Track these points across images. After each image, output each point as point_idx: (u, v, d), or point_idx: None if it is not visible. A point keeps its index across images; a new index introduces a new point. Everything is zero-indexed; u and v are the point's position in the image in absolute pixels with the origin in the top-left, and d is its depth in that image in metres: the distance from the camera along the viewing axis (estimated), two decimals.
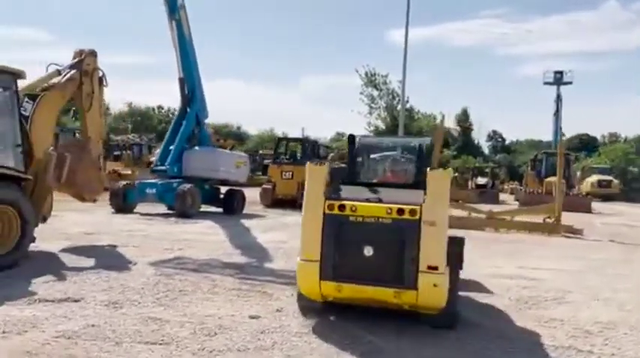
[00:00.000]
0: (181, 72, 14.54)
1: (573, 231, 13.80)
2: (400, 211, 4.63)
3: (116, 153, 33.00)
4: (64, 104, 8.48)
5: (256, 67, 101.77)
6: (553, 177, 27.56)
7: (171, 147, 14.31)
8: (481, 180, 34.03)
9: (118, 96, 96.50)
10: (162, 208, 14.27)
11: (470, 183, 34.19)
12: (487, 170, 37.11)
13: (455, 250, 5.08)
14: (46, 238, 8.72)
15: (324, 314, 5.24)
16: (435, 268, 4.53)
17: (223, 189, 15.63)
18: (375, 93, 31.99)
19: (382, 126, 32.09)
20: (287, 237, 10.82)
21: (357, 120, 29.95)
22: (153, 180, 14.44)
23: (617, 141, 71.67)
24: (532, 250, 10.61)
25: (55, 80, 8.12)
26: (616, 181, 43.30)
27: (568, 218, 20.41)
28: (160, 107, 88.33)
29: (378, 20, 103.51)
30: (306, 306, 5.23)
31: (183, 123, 14.60)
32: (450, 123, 73.67)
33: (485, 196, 30.16)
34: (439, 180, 4.74)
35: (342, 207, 4.77)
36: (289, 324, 4.91)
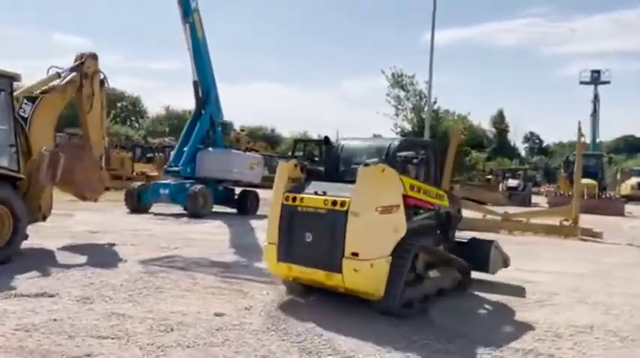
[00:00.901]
0: (195, 75, 14.77)
1: (592, 234, 13.38)
2: (333, 203, 5.20)
3: (149, 155, 33.79)
4: (63, 106, 8.72)
5: (294, 70, 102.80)
6: (585, 179, 26.95)
7: (185, 149, 14.55)
8: (512, 183, 33.24)
9: (156, 101, 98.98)
10: (177, 208, 14.49)
11: (501, 185, 33.49)
12: (519, 172, 36.26)
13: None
14: (50, 236, 9.06)
15: (297, 311, 5.28)
16: (356, 254, 5.00)
17: (239, 190, 15.80)
18: (402, 94, 31.63)
19: (409, 127, 31.70)
20: None
21: (384, 121, 29.67)
22: (167, 181, 14.70)
23: None
24: (541, 252, 10.31)
25: (55, 83, 8.37)
26: None
27: (597, 220, 19.95)
28: None
29: (415, 21, 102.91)
30: (290, 287, 5.95)
31: (197, 124, 14.81)
32: (486, 125, 72.81)
33: (515, 199, 29.52)
34: (368, 175, 5.18)
35: (294, 199, 5.50)
36: (251, 322, 4.91)
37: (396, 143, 6.20)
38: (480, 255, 6.65)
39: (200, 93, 14.93)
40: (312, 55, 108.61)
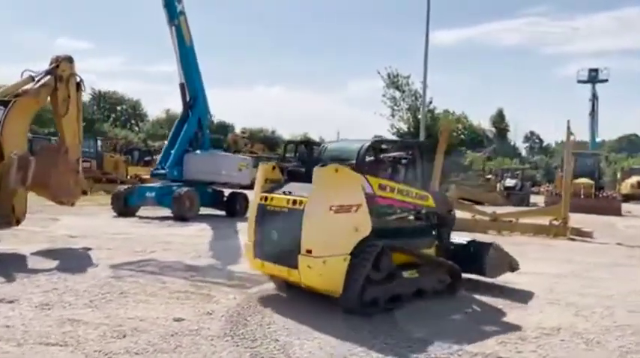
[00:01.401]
0: (182, 77, 14.71)
1: (582, 234, 13.25)
2: (294, 202, 5.43)
3: (147, 158, 33.77)
4: (37, 109, 8.66)
5: (298, 72, 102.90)
6: (582, 178, 26.80)
7: (172, 151, 14.48)
8: (510, 182, 33.08)
9: (158, 104, 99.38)
10: (165, 211, 14.38)
11: (499, 185, 33.34)
12: (518, 172, 36.10)
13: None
14: (28, 241, 9.01)
15: (261, 315, 5.22)
16: (310, 251, 5.16)
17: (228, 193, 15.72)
18: (398, 94, 31.54)
19: (405, 128, 31.61)
20: None
21: (381, 122, 29.58)
22: (153, 184, 14.63)
23: None
24: (527, 253, 10.10)
25: (29, 86, 8.30)
26: None
27: (592, 220, 19.89)
28: None
29: (418, 21, 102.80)
30: (277, 283, 6.18)
31: (185, 126, 14.75)
32: (486, 125, 72.65)
33: (512, 198, 29.37)
34: (321, 175, 5.31)
35: (265, 199, 5.80)
36: (209, 327, 4.81)
37: (367, 144, 6.09)
38: (476, 257, 6.56)
39: (187, 96, 14.88)
40: (316, 57, 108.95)
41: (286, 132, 77.39)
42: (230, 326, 4.86)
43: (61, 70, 8.69)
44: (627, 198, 40.97)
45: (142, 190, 14.24)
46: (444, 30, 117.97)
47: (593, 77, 41.90)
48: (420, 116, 30.51)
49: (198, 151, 14.83)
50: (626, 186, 42.03)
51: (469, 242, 6.81)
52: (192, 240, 10.23)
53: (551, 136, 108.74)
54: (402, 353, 4.35)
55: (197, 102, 14.91)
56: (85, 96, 75.57)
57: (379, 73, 31.82)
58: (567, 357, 4.41)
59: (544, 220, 13.48)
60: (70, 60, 8.86)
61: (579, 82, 43.16)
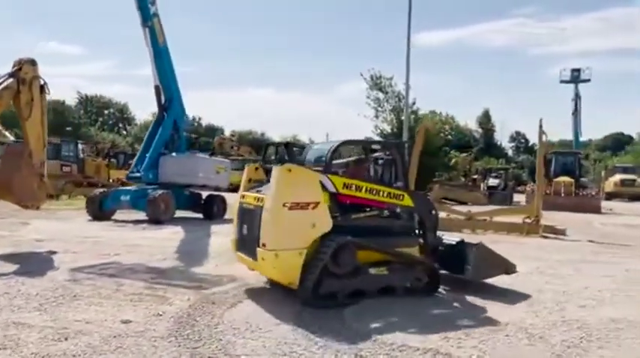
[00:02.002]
0: (156, 79, 14.67)
1: (555, 231, 13.36)
2: (258, 199, 5.86)
3: (131, 161, 33.58)
4: None
5: (289, 74, 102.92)
6: (562, 176, 27.01)
7: (148, 154, 14.43)
8: (493, 182, 33.27)
9: (149, 108, 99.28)
10: (141, 215, 14.32)
11: (482, 184, 33.49)
12: (501, 171, 36.26)
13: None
14: None
15: (211, 315, 5.23)
16: (264, 245, 5.56)
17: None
18: (381, 96, 31.62)
19: (388, 129, 31.68)
20: None
21: (365, 124, 29.62)
22: (129, 188, 14.57)
23: None
24: (497, 251, 10.23)
25: None
26: None
27: (570, 218, 20.06)
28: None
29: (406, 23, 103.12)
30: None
31: (160, 129, 14.71)
32: (473, 125, 72.99)
33: (495, 198, 29.55)
34: (277, 174, 5.63)
35: (243, 197, 6.34)
36: (154, 329, 4.80)
37: (334, 146, 6.36)
38: (460, 258, 6.54)
39: (163, 98, 14.84)
40: (308, 58, 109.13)
41: (276, 135, 77.49)
42: (177, 327, 4.86)
43: (23, 73, 8.64)
44: (611, 195, 41.43)
45: (117, 194, 14.17)
46: (432, 31, 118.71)
47: (576, 77, 42.33)
48: (403, 117, 30.47)
49: (174, 154, 14.80)
50: (610, 184, 42.41)
51: (457, 242, 6.78)
52: (163, 242, 10.19)
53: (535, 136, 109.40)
54: (342, 349, 4.36)
55: (172, 104, 14.89)
56: (72, 101, 75.15)
57: (362, 75, 31.92)
58: (508, 352, 4.44)
59: (519, 218, 13.59)
60: (32, 63, 8.81)
61: (562, 82, 43.58)
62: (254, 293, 6.17)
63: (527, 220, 13.22)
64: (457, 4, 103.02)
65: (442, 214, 13.69)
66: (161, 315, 5.25)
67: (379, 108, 31.76)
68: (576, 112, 41.93)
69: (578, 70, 42.34)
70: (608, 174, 43.75)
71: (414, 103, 32.27)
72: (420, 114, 33.09)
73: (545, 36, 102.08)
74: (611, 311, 5.76)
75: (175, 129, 15.10)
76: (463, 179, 35.24)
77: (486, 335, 4.79)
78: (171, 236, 11.21)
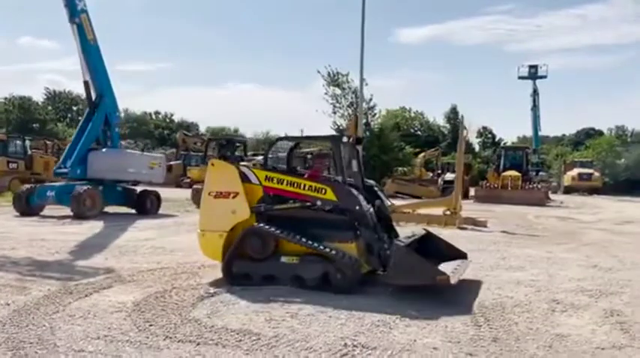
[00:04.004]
0: (86, 75, 14.67)
1: (476, 223, 13.74)
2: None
3: None
4: None
5: (268, 70, 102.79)
6: (510, 171, 27.61)
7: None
8: (449, 176, 33.76)
9: (134, 104, 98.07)
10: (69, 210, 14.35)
11: (439, 179, 34.00)
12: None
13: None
14: None
15: (56, 305, 5.34)
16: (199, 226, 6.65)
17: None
18: (338, 91, 31.95)
19: (345, 124, 32.01)
20: (158, 235, 10.93)
21: (324, 119, 29.97)
22: (56, 183, 14.58)
23: (625, 134, 71.05)
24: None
25: None
26: (597, 174, 42.94)
27: (510, 210, 20.63)
28: (157, 112, 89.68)
29: (383, 20, 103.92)
30: None
31: (90, 124, 14.72)
32: (440, 121, 73.83)
33: (448, 192, 29.96)
34: (207, 168, 6.76)
35: None
36: None
37: (273, 142, 7.61)
38: (387, 258, 6.16)
39: (93, 94, 14.85)
40: (285, 55, 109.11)
41: (250, 131, 77.36)
42: (14, 315, 4.98)
43: None
44: (569, 189, 42.37)
45: (43, 189, 14.17)
46: (410, 27, 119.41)
47: (533, 74, 43.24)
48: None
49: (104, 149, 14.83)
50: (568, 178, 43.40)
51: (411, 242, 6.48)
52: (71, 237, 10.26)
53: (508, 132, 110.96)
54: (165, 344, 4.55)
55: (103, 100, 14.90)
56: (40, 97, 74.13)
57: (319, 72, 32.21)
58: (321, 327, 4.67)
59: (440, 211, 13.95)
60: None
61: (520, 78, 44.51)
62: (117, 285, 6.32)
63: (447, 213, 13.58)
64: (435, 1, 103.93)
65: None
66: (9, 305, 5.37)
67: (337, 104, 32.09)
68: (535, 108, 42.79)
69: (535, 67, 43.22)
70: (567, 168, 44.73)
71: (370, 99, 32.66)
72: (376, 109, 33.46)
73: (521, 33, 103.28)
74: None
75: (107, 125, 15.11)
76: (430, 174, 35.81)
77: (316, 317, 5.02)
78: (86, 231, 11.28)
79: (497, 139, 67.92)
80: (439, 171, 36.57)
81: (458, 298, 5.81)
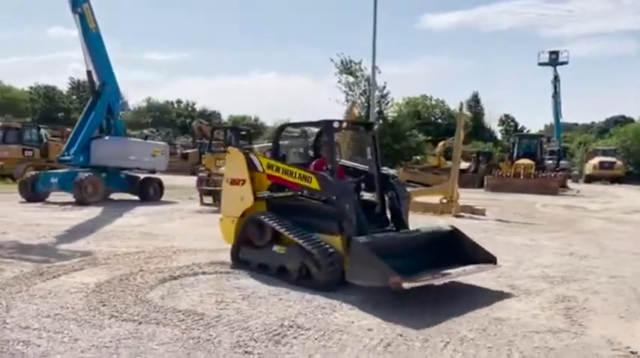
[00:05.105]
0: (89, 65, 14.95)
1: (473, 212, 13.68)
2: None
3: None
4: None
5: (293, 59, 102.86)
6: (524, 159, 27.22)
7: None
8: (463, 165, 33.46)
9: (140, 94, 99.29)
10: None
11: None
12: (474, 154, 36.44)
13: None
14: None
15: (25, 286, 5.55)
16: None
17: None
18: (352, 79, 31.86)
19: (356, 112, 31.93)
20: (150, 221, 11.15)
21: (336, 108, 29.91)
22: (59, 170, 14.94)
23: None
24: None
25: None
26: (620, 163, 41.93)
27: (519, 199, 20.39)
28: (178, 101, 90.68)
29: (410, 5, 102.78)
30: None
31: (93, 113, 15.01)
32: (465, 109, 72.89)
33: (461, 180, 29.73)
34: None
35: None
36: None
37: (277, 128, 7.59)
38: None
39: (96, 83, 15.13)
40: (307, 44, 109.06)
41: (270, 119, 77.63)
42: None
43: None
44: (590, 178, 41.51)
45: (47, 176, 14.55)
46: (439, 13, 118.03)
47: (554, 60, 42.24)
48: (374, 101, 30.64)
49: (107, 137, 15.13)
50: (589, 166, 42.47)
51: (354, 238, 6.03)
52: (66, 222, 10.51)
53: (534, 120, 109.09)
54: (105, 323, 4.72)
55: (106, 89, 15.17)
56: (64, 86, 75.58)
57: (332, 60, 32.14)
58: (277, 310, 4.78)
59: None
60: None
61: (540, 64, 43.51)
62: (89, 267, 6.52)
63: (444, 200, 13.53)
64: None
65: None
66: None
67: (349, 92, 32.01)
68: (556, 95, 41.83)
69: (556, 53, 42.25)
70: (588, 156, 43.75)
71: (384, 87, 32.52)
72: (390, 97, 33.25)
73: (552, 18, 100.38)
74: None
75: (110, 113, 15.40)
76: (449, 163, 35.45)
77: (281, 296, 5.13)
78: (82, 216, 11.55)
79: (519, 127, 66.75)
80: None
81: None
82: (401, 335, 4.25)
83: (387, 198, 6.33)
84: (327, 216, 5.90)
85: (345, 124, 6.90)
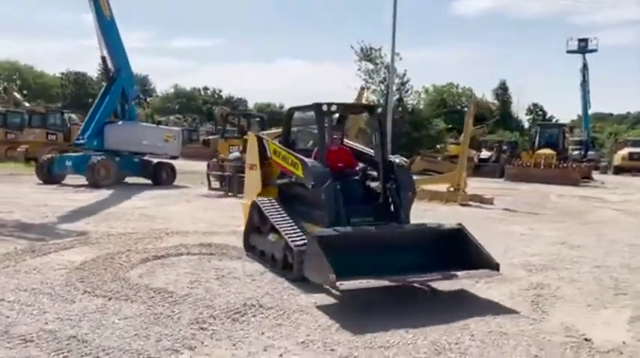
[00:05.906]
0: (103, 51, 15.23)
1: (482, 201, 13.55)
2: None
3: None
4: None
5: (320, 46, 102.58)
6: (545, 149, 26.76)
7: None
8: (485, 154, 33.04)
9: (168, 80, 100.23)
10: None
11: (475, 157, 33.32)
12: (496, 144, 35.92)
13: None
14: None
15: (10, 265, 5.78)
16: None
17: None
18: (371, 67, 31.60)
19: (376, 100, 31.69)
20: (155, 204, 11.38)
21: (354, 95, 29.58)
22: (75, 154, 15.33)
23: None
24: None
25: None
26: None
27: (533, 188, 20.04)
28: (205, 88, 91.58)
29: None
30: None
31: (107, 98, 15.32)
32: (489, 97, 71.76)
33: (482, 170, 29.42)
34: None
35: None
36: None
37: (286, 113, 7.28)
38: None
39: (111, 69, 15.42)
40: (334, 31, 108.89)
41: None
42: None
43: None
44: (619, 169, 40.46)
45: (62, 159, 14.96)
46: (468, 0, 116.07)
47: (583, 47, 41.09)
48: (394, 88, 30.39)
49: (120, 122, 15.43)
50: (618, 157, 41.35)
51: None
52: (73, 203, 10.83)
53: (564, 109, 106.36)
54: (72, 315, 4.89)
55: (120, 75, 15.44)
56: (94, 73, 77.16)
57: (352, 47, 31.90)
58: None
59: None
60: None
61: (569, 52, 42.38)
62: (79, 246, 6.74)
63: (451, 189, 13.44)
64: None
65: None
66: None
67: (369, 80, 31.74)
68: (584, 83, 40.72)
69: (585, 41, 41.08)
70: (617, 147, 42.62)
71: (404, 74, 32.17)
72: (409, 85, 32.82)
73: (583, 4, 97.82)
74: None
75: (124, 99, 15.68)
76: (474, 152, 35.07)
77: (259, 278, 5.25)
78: (91, 198, 11.87)
79: (547, 117, 65.44)
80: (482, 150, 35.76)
81: None
82: (358, 317, 4.31)
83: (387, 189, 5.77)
84: (315, 204, 5.64)
85: (335, 107, 6.11)
